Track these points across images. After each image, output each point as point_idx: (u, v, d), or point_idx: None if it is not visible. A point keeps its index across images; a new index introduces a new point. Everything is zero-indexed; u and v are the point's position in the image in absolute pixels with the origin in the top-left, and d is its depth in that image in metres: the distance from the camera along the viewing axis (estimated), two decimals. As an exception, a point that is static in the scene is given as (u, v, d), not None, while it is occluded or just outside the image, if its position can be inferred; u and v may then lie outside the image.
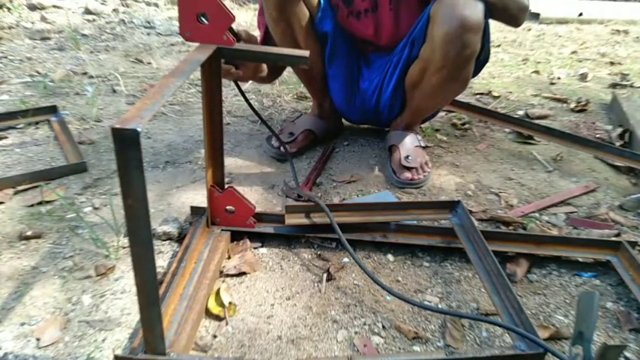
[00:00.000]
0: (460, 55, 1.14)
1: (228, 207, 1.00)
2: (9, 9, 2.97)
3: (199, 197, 1.18)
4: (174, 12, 3.40)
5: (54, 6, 3.22)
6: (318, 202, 1.02)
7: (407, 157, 1.31)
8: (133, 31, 2.82)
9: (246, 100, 1.04)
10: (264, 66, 1.23)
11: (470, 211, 1.15)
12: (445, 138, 1.60)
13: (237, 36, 0.99)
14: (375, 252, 1.03)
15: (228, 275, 0.94)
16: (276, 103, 1.84)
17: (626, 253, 0.97)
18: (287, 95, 1.91)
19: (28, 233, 1.01)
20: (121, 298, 0.87)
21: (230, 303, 0.86)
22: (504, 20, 1.24)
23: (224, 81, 0.99)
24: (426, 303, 0.90)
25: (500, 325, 0.79)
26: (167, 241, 1.02)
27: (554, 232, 1.12)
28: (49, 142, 1.44)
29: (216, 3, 0.76)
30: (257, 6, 1.21)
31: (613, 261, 0.98)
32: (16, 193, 1.16)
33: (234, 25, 0.82)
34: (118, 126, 0.50)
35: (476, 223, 1.02)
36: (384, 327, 0.84)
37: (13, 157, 1.34)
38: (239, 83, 1.09)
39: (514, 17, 1.24)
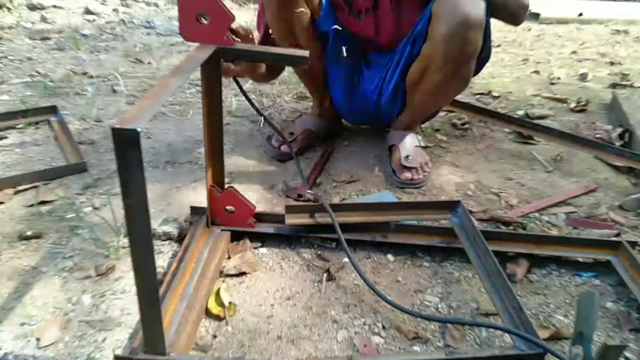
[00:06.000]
0: (462, 52, 1.14)
1: (228, 207, 1.00)
2: (9, 9, 2.97)
3: (199, 197, 1.18)
4: (174, 12, 3.40)
5: (54, 6, 3.22)
6: (323, 201, 1.01)
7: (407, 157, 1.31)
8: (133, 31, 2.82)
9: (247, 98, 1.04)
10: (262, 65, 1.23)
11: (470, 211, 1.15)
12: (445, 138, 1.60)
13: (235, 33, 0.99)
14: (375, 252, 1.03)
15: (228, 275, 0.94)
16: (276, 103, 1.84)
17: (626, 253, 0.97)
18: (287, 95, 1.91)
19: (28, 233, 1.01)
20: (121, 298, 0.87)
21: (230, 303, 0.86)
22: (505, 18, 1.24)
23: (224, 81, 0.99)
24: (423, 308, 0.90)
25: (499, 328, 0.79)
26: (167, 241, 1.02)
27: (554, 232, 1.12)
28: (49, 142, 1.44)
29: (216, 3, 0.76)
30: (257, 6, 1.21)
31: (613, 261, 0.98)
32: (16, 193, 1.16)
33: (234, 26, 0.82)
34: (118, 126, 0.50)
35: (476, 223, 1.02)
36: (384, 327, 0.84)
37: (13, 157, 1.34)
38: (240, 82, 1.09)
39: (514, 15, 1.24)
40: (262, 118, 1.10)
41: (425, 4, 1.24)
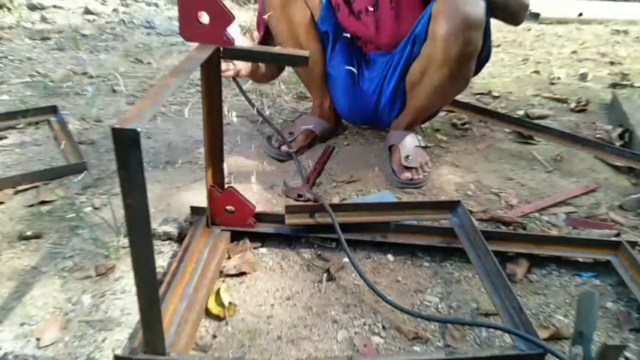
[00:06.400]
0: (462, 52, 1.14)
1: (228, 207, 0.99)
2: (9, 9, 2.97)
3: (199, 197, 1.18)
4: (174, 12, 3.40)
5: (54, 6, 3.22)
6: (323, 201, 1.01)
7: (407, 157, 1.31)
8: (133, 31, 2.81)
9: (247, 98, 1.04)
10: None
11: (470, 211, 1.15)
12: (445, 138, 1.60)
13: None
14: (375, 252, 1.03)
15: (228, 275, 0.94)
16: (276, 103, 1.84)
17: (626, 253, 0.97)
18: (287, 95, 1.91)
19: (28, 233, 1.01)
20: (121, 298, 0.87)
21: (230, 303, 0.86)
22: (505, 18, 1.24)
23: (224, 81, 0.99)
24: (423, 308, 0.90)
25: (499, 328, 0.79)
26: (167, 241, 1.02)
27: (554, 232, 1.12)
28: (49, 142, 1.44)
29: (216, 3, 0.76)
30: (257, 6, 1.21)
31: (613, 261, 0.98)
32: (16, 193, 1.16)
33: (234, 25, 0.82)
34: (118, 126, 0.50)
35: (476, 223, 1.02)
36: (384, 327, 0.84)
37: (13, 157, 1.34)
38: (239, 82, 1.09)
39: (514, 15, 1.24)
40: (262, 117, 1.10)
41: (424, 4, 1.24)
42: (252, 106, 1.07)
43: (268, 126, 1.21)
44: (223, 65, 1.06)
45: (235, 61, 1.08)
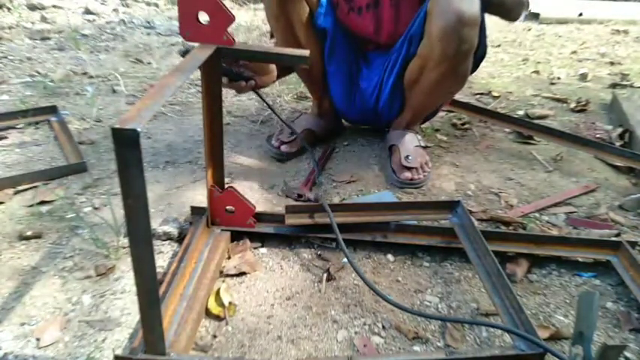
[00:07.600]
0: (458, 50, 1.14)
1: (228, 207, 1.00)
2: (9, 9, 2.97)
3: (199, 197, 1.18)
4: (174, 12, 3.40)
5: (54, 6, 3.22)
6: (322, 202, 1.01)
7: (407, 156, 1.30)
8: (133, 31, 2.82)
9: (267, 104, 1.03)
10: (273, 68, 1.19)
11: (470, 211, 1.15)
12: (445, 138, 1.60)
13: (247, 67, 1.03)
14: (375, 252, 1.03)
15: (228, 275, 0.94)
16: (276, 103, 1.84)
17: (626, 253, 0.97)
18: (287, 95, 1.91)
19: (28, 233, 1.01)
20: (121, 298, 0.87)
21: (230, 303, 0.86)
22: (501, 14, 1.24)
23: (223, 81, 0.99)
24: (423, 308, 0.90)
25: (498, 327, 0.79)
26: (167, 241, 1.02)
27: (554, 232, 1.12)
28: (49, 142, 1.44)
29: (216, 3, 0.76)
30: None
31: (613, 261, 0.98)
32: (16, 193, 1.16)
33: (234, 26, 0.82)
34: (118, 126, 0.50)
35: (476, 223, 1.02)
36: (384, 327, 0.84)
37: (13, 157, 1.34)
38: (259, 92, 1.08)
39: (511, 11, 1.24)
40: (283, 123, 1.10)
41: (424, 2, 1.24)
42: (274, 111, 1.07)
43: (281, 124, 1.21)
44: (236, 85, 1.04)
45: (250, 74, 1.05)
